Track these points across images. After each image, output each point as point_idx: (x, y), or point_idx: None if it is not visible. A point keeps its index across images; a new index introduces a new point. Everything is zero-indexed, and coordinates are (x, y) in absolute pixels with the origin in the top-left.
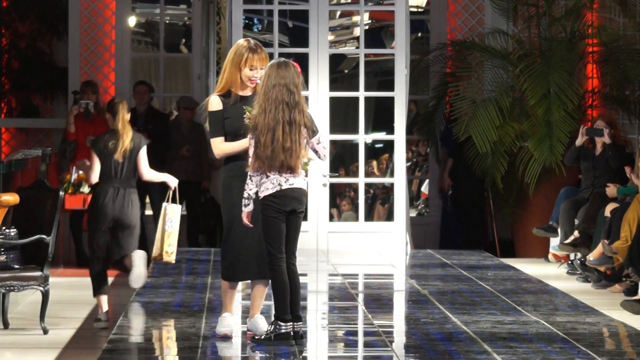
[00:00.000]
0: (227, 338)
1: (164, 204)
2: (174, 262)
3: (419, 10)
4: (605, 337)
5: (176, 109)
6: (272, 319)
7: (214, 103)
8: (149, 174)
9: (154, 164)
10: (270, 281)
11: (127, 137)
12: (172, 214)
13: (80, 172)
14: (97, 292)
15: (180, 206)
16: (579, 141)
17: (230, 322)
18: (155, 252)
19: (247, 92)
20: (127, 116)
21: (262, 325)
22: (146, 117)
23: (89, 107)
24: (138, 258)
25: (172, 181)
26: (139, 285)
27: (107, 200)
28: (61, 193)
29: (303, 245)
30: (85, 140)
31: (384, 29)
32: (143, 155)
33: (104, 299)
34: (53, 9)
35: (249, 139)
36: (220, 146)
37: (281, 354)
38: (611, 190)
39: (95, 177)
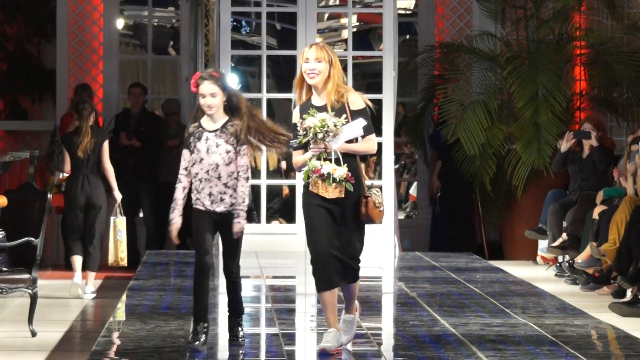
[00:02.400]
0: (337, 354)
1: (112, 217)
2: (126, 265)
3: (407, 12)
4: (594, 340)
5: (162, 114)
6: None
7: (294, 115)
8: (109, 167)
9: (148, 166)
10: (356, 282)
11: (87, 138)
12: (120, 225)
13: (62, 175)
14: (70, 253)
15: (125, 218)
16: (564, 147)
17: (337, 336)
18: (111, 259)
19: (322, 101)
20: (92, 119)
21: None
22: (139, 119)
23: None
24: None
25: (118, 196)
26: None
27: (77, 187)
28: (49, 195)
29: (291, 248)
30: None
31: (372, 31)
32: (105, 149)
33: (76, 259)
34: (41, 11)
35: None
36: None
37: (271, 357)
38: (599, 195)
39: (67, 168)
